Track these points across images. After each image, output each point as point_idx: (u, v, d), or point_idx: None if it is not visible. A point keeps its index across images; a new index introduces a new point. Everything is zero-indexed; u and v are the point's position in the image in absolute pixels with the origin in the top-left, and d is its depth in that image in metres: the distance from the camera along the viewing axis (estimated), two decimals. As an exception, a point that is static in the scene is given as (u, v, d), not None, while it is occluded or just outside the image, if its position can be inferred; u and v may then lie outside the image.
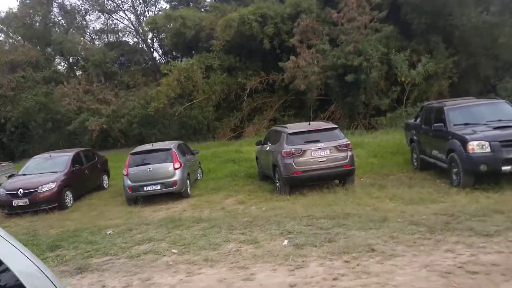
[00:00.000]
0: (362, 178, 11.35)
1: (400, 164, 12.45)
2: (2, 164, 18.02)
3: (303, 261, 5.91)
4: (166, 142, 13.38)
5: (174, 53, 30.76)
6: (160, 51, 32.76)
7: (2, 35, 34.30)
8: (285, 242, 6.74)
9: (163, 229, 8.46)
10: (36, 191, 11.59)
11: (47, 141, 26.60)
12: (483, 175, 8.82)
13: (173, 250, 7.03)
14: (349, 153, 10.04)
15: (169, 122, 24.59)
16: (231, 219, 8.57)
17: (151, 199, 11.70)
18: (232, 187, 12.10)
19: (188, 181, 11.75)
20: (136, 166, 11.48)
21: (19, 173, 12.99)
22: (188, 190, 11.68)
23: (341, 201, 8.92)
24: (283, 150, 9.95)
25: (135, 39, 32.68)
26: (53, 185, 11.80)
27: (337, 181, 10.95)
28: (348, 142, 10.16)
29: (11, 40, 32.94)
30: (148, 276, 6.12)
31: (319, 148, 9.88)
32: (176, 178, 11.19)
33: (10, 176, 13.93)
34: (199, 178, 13.79)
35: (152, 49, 32.29)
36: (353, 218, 7.61)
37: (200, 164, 14.43)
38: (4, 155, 27.15)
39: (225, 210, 9.63)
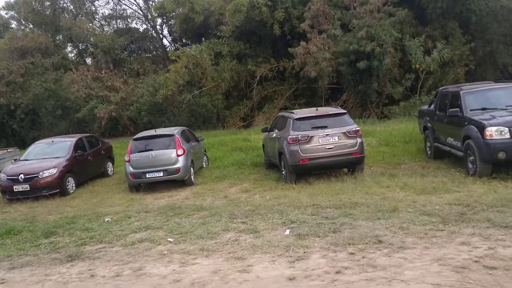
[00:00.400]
0: (372, 167, 10.87)
1: (412, 153, 11.92)
2: (8, 150, 17.94)
3: (304, 252, 5.50)
4: (170, 128, 13.01)
5: (183, 40, 30.30)
6: (170, 38, 32.34)
7: (15, 23, 34.26)
8: (287, 232, 6.33)
9: (162, 217, 8.14)
10: (37, 176, 11.36)
11: (57, 128, 26.44)
12: (502, 163, 8.28)
13: (169, 239, 6.67)
14: (359, 140, 9.55)
15: (178, 110, 24.24)
16: (233, 207, 8.20)
17: (154, 186, 11.40)
18: (237, 175, 11.71)
19: (192, 168, 11.39)
20: (138, 152, 11.16)
21: (21, 158, 12.79)
22: (192, 177, 11.32)
23: (348, 190, 8.46)
24: (289, 137, 9.50)
25: (144, 26, 32.33)
26: (54, 170, 11.55)
27: (345, 170, 10.48)
28: (358, 128, 9.67)
29: (22, 27, 32.86)
30: (140, 265, 5.78)
31: (327, 135, 9.41)
32: (179, 165, 10.84)
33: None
34: (204, 166, 13.41)
35: (161, 36, 31.89)
36: (360, 207, 7.17)
37: (205, 151, 14.06)
38: (15, 141, 27.16)
39: (228, 198, 9.24)
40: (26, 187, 11.30)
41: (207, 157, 13.97)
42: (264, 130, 12.15)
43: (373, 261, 5.01)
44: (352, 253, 5.31)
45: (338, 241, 5.73)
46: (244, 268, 5.24)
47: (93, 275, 5.66)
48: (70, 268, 6.04)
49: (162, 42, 31.95)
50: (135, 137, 11.77)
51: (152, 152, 10.99)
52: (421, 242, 5.43)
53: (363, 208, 7.11)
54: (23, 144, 25.84)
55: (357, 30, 18.83)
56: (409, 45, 19.16)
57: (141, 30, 32.03)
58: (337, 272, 4.83)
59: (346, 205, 7.39)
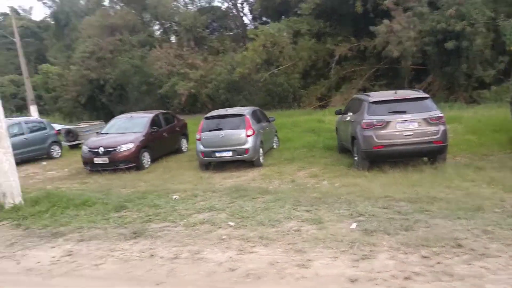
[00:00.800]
0: (455, 157, 9.93)
1: (503, 143, 10.73)
2: (94, 123, 19.04)
3: (371, 250, 5.05)
4: (241, 108, 12.89)
5: (263, 18, 30.08)
6: (250, 16, 32.26)
7: (107, 0, 36.09)
8: (353, 225, 5.89)
9: (227, 198, 8.05)
10: (115, 150, 11.84)
11: (143, 103, 27.63)
12: None
13: (230, 223, 6.52)
14: (442, 128, 8.71)
15: (255, 89, 24.18)
16: (298, 193, 7.87)
17: (224, 165, 11.40)
18: (307, 158, 11.34)
19: (261, 149, 11.21)
20: (209, 131, 11.18)
21: (102, 132, 13.41)
22: (261, 159, 11.14)
23: (427, 182, 7.75)
24: (363, 121, 8.91)
25: (226, 4, 32.47)
26: (131, 145, 11.97)
27: (425, 159, 9.67)
28: (441, 115, 8.81)
29: (113, 5, 34.54)
30: (199, 249, 5.68)
31: (406, 120, 8.68)
32: (248, 145, 10.70)
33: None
34: (274, 147, 13.19)
35: (242, 14, 31.90)
36: (439, 203, 6.51)
37: (276, 132, 13.80)
38: (104, 114, 28.86)
39: (295, 183, 8.92)
40: (105, 159, 11.84)
41: (278, 138, 13.72)
42: (337, 113, 11.59)
43: (450, 269, 4.45)
44: (425, 257, 4.77)
45: (410, 241, 5.20)
46: (303, 262, 4.92)
47: (152, 255, 5.67)
48: (132, 245, 6.12)
49: (242, 20, 31.98)
50: (206, 115, 11.80)
51: (222, 132, 10.95)
52: (508, 250, 4.76)
53: (442, 204, 6.44)
54: (112, 118, 27.32)
55: (446, 8, 17.34)
56: (503, 25, 17.22)
57: (223, 9, 32.26)
58: (406, 278, 4.34)
59: (423, 200, 6.76)
